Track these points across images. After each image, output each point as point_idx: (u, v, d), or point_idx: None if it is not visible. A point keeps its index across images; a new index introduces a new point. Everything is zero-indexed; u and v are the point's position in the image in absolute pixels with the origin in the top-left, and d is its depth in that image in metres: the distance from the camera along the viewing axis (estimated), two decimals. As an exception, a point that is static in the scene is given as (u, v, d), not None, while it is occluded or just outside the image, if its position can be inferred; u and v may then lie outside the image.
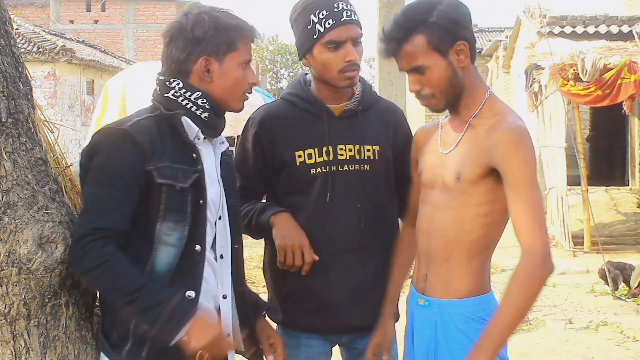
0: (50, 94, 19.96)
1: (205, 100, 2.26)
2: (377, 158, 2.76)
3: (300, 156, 2.71)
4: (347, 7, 2.65)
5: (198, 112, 2.26)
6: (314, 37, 2.64)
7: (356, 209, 2.71)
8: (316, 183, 2.71)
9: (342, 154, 2.72)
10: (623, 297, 8.08)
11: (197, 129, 2.24)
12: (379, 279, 2.72)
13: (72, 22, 33.67)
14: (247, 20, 2.34)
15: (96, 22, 33.87)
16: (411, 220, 2.69)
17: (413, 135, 2.76)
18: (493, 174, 2.31)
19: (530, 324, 7.07)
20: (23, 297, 2.07)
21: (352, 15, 2.65)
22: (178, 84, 2.25)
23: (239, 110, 2.37)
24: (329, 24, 2.62)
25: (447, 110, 2.51)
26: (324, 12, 2.62)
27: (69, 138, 19.15)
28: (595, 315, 7.40)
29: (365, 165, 2.73)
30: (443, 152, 2.45)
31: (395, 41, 2.35)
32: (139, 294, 2.04)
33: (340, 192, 2.70)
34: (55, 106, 19.86)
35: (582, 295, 8.34)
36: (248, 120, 2.84)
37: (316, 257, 2.63)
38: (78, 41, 24.93)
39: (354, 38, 2.65)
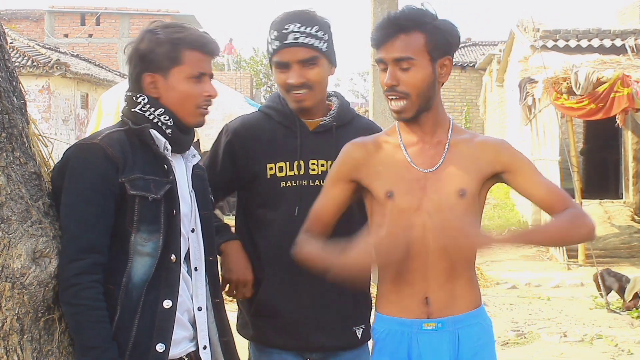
0: (44, 107, 19.93)
1: (168, 117, 2.30)
2: None
3: (271, 169, 2.71)
4: (297, 28, 2.63)
5: (163, 128, 2.30)
6: (269, 56, 2.71)
7: None
8: (285, 196, 2.71)
9: (313, 169, 2.72)
10: (617, 310, 8.09)
11: (165, 140, 2.28)
12: (345, 296, 2.70)
13: (66, 36, 33.68)
14: (202, 34, 2.34)
15: (90, 36, 33.88)
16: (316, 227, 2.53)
17: None
18: (486, 185, 2.44)
19: (525, 338, 7.06)
20: (16, 311, 2.07)
21: (300, 38, 2.63)
22: (144, 99, 2.29)
23: (198, 125, 2.39)
24: (275, 45, 2.66)
25: (407, 126, 2.44)
26: (275, 32, 2.66)
27: (63, 152, 19.11)
28: (590, 328, 7.40)
29: None
30: (423, 171, 2.39)
31: (397, 27, 2.33)
32: (89, 352, 2.08)
33: (310, 207, 2.67)
34: (49, 120, 19.83)
35: (577, 309, 8.34)
36: (223, 128, 2.85)
37: (248, 295, 2.71)
38: (72, 55, 24.91)
39: (300, 60, 2.64)
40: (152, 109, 2.28)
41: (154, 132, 2.26)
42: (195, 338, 2.33)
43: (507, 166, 2.41)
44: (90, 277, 2.10)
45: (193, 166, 2.41)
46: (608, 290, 8.21)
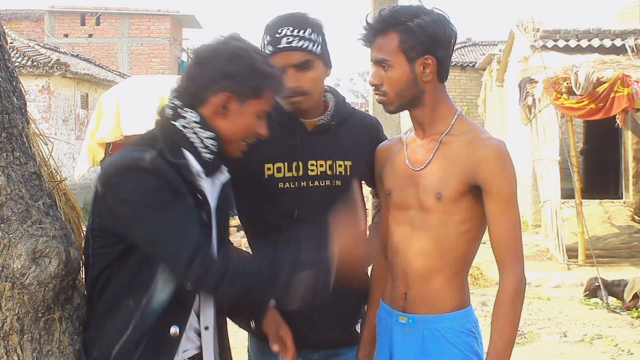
0: (44, 107, 19.93)
1: (215, 143, 2.19)
2: (348, 173, 2.74)
3: (269, 169, 2.68)
4: (290, 32, 2.60)
5: (203, 152, 2.18)
6: None
7: (327, 226, 2.70)
8: (284, 198, 2.68)
9: (312, 170, 2.70)
10: (617, 310, 8.09)
11: (200, 169, 2.18)
12: (348, 295, 2.69)
13: (66, 36, 33.68)
14: (279, 73, 2.29)
15: (90, 36, 33.88)
16: (384, 248, 2.64)
17: None
18: (472, 191, 2.35)
19: (525, 338, 7.06)
20: (16, 311, 2.06)
21: (294, 42, 2.60)
22: (194, 117, 2.17)
23: (235, 156, 2.31)
24: (269, 50, 2.60)
25: (412, 125, 2.53)
26: (268, 37, 2.61)
27: (63, 152, 19.12)
28: (590, 328, 7.40)
29: (337, 181, 2.72)
30: (414, 169, 2.44)
31: (373, 30, 2.41)
32: (279, 269, 2.12)
33: (310, 209, 2.67)
34: (49, 120, 19.83)
35: (577, 309, 8.34)
36: None
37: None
38: (72, 55, 24.92)
39: (295, 64, 2.60)
40: (200, 130, 2.16)
41: (190, 159, 2.15)
42: (200, 349, 2.28)
43: (484, 184, 2.33)
44: (212, 259, 2.05)
45: (222, 185, 2.32)
46: (592, 292, 8.38)
